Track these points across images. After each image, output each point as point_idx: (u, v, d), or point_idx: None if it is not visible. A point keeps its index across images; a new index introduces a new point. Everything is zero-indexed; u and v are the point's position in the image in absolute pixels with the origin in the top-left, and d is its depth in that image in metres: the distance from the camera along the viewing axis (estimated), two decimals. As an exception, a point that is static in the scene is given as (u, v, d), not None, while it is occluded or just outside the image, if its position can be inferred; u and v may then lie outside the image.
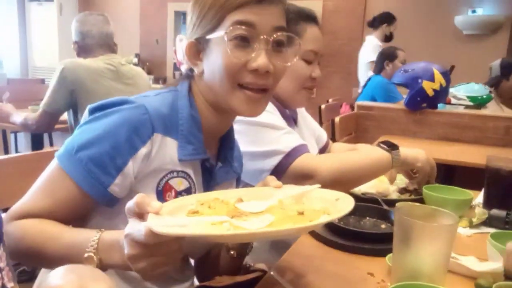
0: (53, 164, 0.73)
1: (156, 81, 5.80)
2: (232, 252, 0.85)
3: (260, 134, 1.08)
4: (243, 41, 0.73)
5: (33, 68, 6.48)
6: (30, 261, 0.76)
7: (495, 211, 1.06)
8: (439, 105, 2.68)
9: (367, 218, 1.05)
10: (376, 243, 0.89)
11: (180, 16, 6.11)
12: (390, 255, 0.79)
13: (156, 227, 0.53)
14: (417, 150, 1.22)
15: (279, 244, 1.12)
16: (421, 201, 1.15)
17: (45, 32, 6.23)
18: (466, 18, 4.63)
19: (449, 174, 2.12)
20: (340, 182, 1.04)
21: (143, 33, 6.23)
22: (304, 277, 0.79)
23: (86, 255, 0.62)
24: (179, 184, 0.78)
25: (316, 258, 0.88)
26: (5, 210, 0.74)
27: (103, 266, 0.63)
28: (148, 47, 6.22)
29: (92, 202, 0.72)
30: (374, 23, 3.95)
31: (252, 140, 1.07)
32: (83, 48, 2.18)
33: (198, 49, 0.79)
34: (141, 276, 0.60)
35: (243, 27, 0.73)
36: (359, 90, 3.66)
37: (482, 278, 0.75)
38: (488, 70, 3.16)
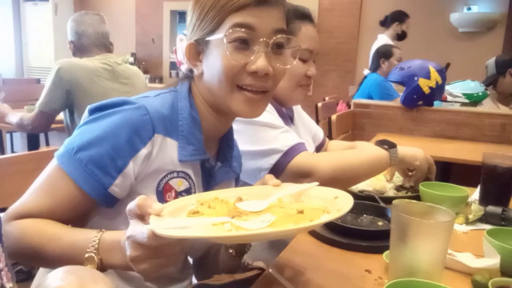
0: (53, 164, 0.73)
1: (152, 80, 5.79)
2: (231, 251, 0.86)
3: (258, 133, 1.09)
4: (243, 44, 0.74)
5: (28, 68, 6.46)
6: (29, 261, 0.76)
7: (491, 208, 1.07)
8: (435, 102, 2.69)
9: (364, 215, 1.05)
10: (373, 240, 0.90)
11: (176, 15, 6.10)
12: (387, 252, 0.79)
13: (159, 230, 0.54)
14: (415, 149, 1.23)
15: (277, 242, 1.12)
16: (418, 198, 1.15)
17: (41, 32, 6.21)
18: (462, 16, 4.65)
19: (446, 171, 2.13)
20: (338, 180, 1.05)
21: (139, 33, 6.22)
22: (302, 275, 0.80)
23: (87, 255, 0.62)
24: (179, 184, 0.78)
25: (314, 255, 0.88)
26: (2, 210, 0.74)
27: (103, 267, 0.63)
28: (144, 46, 6.21)
29: (92, 203, 0.72)
30: (386, 22, 3.89)
31: (250, 139, 1.08)
32: (79, 48, 2.17)
33: (197, 50, 0.79)
34: (143, 277, 0.60)
35: (243, 29, 0.73)
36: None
37: (478, 274, 0.75)
38: (484, 68, 3.18)
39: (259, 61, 0.74)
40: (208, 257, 0.93)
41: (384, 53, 3.53)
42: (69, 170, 0.70)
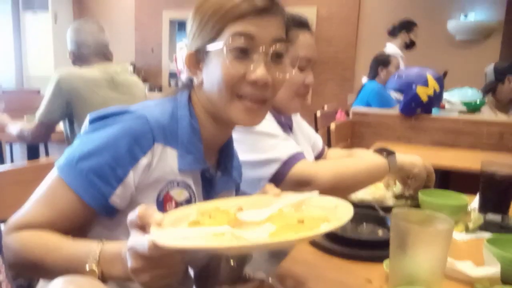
0: (53, 174, 0.73)
1: (151, 89, 5.81)
2: (231, 262, 0.85)
3: (257, 142, 1.09)
4: (242, 53, 0.74)
5: (28, 77, 6.47)
6: (29, 273, 0.76)
7: (490, 216, 1.08)
8: (433, 110, 2.70)
9: (364, 224, 1.05)
10: (373, 249, 0.90)
11: (175, 24, 6.13)
12: (387, 261, 0.79)
13: (160, 240, 0.54)
14: (413, 156, 1.23)
15: (278, 253, 1.12)
16: (418, 207, 1.16)
17: (40, 40, 6.22)
18: (459, 23, 4.68)
19: (445, 179, 2.13)
20: (337, 188, 1.05)
21: (138, 42, 6.25)
22: (302, 285, 0.80)
23: (87, 266, 0.62)
24: (180, 194, 0.78)
25: (314, 265, 0.88)
26: (1, 221, 0.74)
27: (104, 278, 0.63)
28: (143, 55, 6.23)
29: (92, 213, 0.72)
30: (393, 31, 3.87)
31: (249, 148, 1.08)
32: (79, 57, 2.18)
33: (197, 59, 0.79)
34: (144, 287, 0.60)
35: (242, 38, 0.73)
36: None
37: (479, 283, 0.76)
38: (483, 75, 3.20)
39: (258, 71, 0.74)
40: (209, 268, 0.93)
41: (382, 61, 3.56)
42: (69, 180, 0.70)
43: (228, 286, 0.81)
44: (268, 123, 1.13)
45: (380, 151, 1.18)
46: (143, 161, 0.73)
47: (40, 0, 6.12)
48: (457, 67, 4.08)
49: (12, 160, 4.10)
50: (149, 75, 6.14)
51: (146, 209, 0.59)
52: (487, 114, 2.91)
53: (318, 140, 1.49)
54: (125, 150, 0.71)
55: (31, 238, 0.69)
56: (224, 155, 0.89)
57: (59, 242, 0.68)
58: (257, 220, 0.67)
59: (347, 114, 3.28)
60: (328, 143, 2.44)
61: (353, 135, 2.85)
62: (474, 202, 1.26)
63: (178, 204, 0.78)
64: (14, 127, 2.26)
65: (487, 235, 1.02)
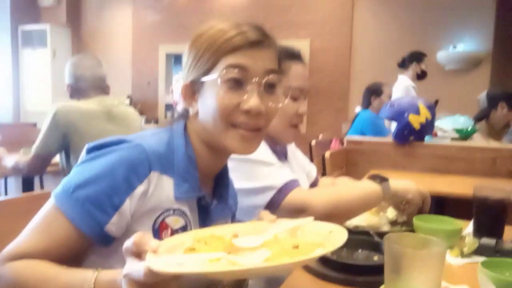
0: (50, 203, 0.74)
1: (148, 122, 5.85)
2: (227, 289, 0.85)
3: (252, 170, 1.10)
4: (236, 83, 0.77)
5: (25, 112, 6.50)
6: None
7: (485, 240, 1.08)
8: (426, 138, 2.74)
9: (360, 250, 1.05)
10: (369, 275, 0.89)
11: (172, 58, 6.25)
12: (383, 286, 0.79)
13: (155, 266, 0.54)
14: (407, 182, 1.24)
15: (274, 280, 1.11)
16: (412, 232, 1.16)
17: (38, 75, 6.30)
18: (448, 54, 4.81)
19: (440, 205, 2.14)
20: (332, 215, 1.06)
21: (135, 75, 6.35)
22: (299, 312, 0.79)
23: None
24: (175, 222, 0.79)
25: (311, 292, 0.88)
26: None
27: (100, 306, 0.63)
28: (140, 88, 6.32)
29: (88, 242, 0.72)
30: (403, 63, 3.88)
31: (244, 176, 1.09)
32: (76, 91, 2.21)
33: (193, 90, 0.82)
34: None
35: (236, 70, 0.76)
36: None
37: (475, 306, 0.75)
38: (474, 103, 3.27)
39: (252, 100, 0.77)
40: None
41: (374, 91, 3.64)
42: (65, 209, 0.71)
43: (224, 313, 0.81)
44: (263, 151, 1.15)
45: (374, 177, 1.19)
46: (140, 189, 0.74)
47: (39, 37, 6.26)
48: (448, 96, 4.16)
49: (6, 194, 4.06)
50: (146, 108, 6.20)
51: (142, 236, 0.59)
52: (479, 141, 2.95)
53: (312, 169, 1.50)
54: (122, 178, 0.72)
55: (26, 268, 0.68)
56: (220, 183, 0.90)
57: (54, 272, 0.68)
58: (252, 246, 0.68)
59: (342, 143, 3.32)
60: (323, 171, 2.46)
61: (348, 163, 2.87)
62: (469, 227, 1.26)
63: (174, 232, 0.78)
64: (10, 160, 2.26)
65: (482, 259, 1.02)
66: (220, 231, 0.74)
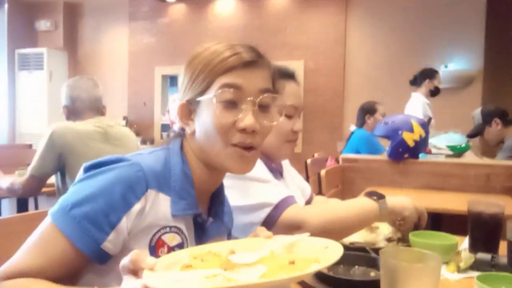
0: (47, 221, 0.74)
1: (143, 142, 5.86)
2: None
3: (248, 187, 1.11)
4: (231, 103, 0.79)
5: (20, 134, 6.50)
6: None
7: (480, 255, 1.08)
8: (420, 155, 2.76)
9: (356, 266, 1.05)
10: (366, 291, 0.90)
11: (167, 79, 6.30)
12: (380, 301, 0.79)
13: (152, 283, 0.55)
14: (403, 198, 1.25)
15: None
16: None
17: (34, 98, 6.32)
18: (440, 73, 4.88)
19: (436, 221, 2.14)
20: (328, 232, 1.06)
21: (131, 96, 6.38)
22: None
23: None
24: (172, 239, 0.79)
25: (308, 309, 0.88)
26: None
27: (96, 323, 0.63)
28: (136, 109, 6.34)
29: (85, 260, 0.72)
30: (415, 81, 3.89)
31: (240, 194, 1.10)
32: (73, 112, 2.22)
33: (189, 110, 0.84)
34: None
35: (231, 89, 0.78)
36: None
37: (472, 320, 0.75)
38: (468, 120, 3.31)
39: (246, 119, 0.78)
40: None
41: (368, 110, 3.68)
42: (62, 227, 0.71)
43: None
44: (259, 169, 1.16)
45: (370, 194, 1.20)
46: (137, 206, 0.74)
47: (36, 60, 6.31)
48: (441, 113, 4.21)
49: (0, 215, 4.03)
50: (142, 129, 6.22)
51: (138, 254, 0.60)
52: (472, 157, 2.98)
53: (306, 188, 1.52)
54: (119, 196, 0.73)
55: (22, 287, 0.68)
56: (216, 201, 0.91)
57: None
58: (248, 262, 0.68)
59: (337, 161, 3.34)
60: (319, 189, 2.46)
61: (343, 181, 2.88)
62: (465, 242, 1.27)
63: (170, 249, 0.79)
64: (4, 181, 2.25)
65: (478, 274, 1.02)
66: (216, 247, 0.74)
